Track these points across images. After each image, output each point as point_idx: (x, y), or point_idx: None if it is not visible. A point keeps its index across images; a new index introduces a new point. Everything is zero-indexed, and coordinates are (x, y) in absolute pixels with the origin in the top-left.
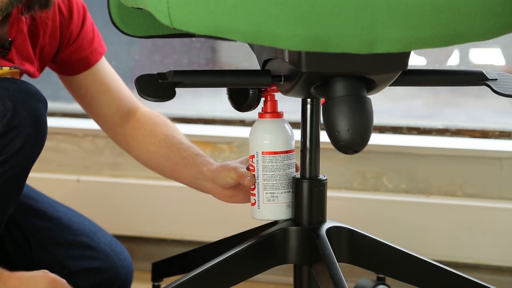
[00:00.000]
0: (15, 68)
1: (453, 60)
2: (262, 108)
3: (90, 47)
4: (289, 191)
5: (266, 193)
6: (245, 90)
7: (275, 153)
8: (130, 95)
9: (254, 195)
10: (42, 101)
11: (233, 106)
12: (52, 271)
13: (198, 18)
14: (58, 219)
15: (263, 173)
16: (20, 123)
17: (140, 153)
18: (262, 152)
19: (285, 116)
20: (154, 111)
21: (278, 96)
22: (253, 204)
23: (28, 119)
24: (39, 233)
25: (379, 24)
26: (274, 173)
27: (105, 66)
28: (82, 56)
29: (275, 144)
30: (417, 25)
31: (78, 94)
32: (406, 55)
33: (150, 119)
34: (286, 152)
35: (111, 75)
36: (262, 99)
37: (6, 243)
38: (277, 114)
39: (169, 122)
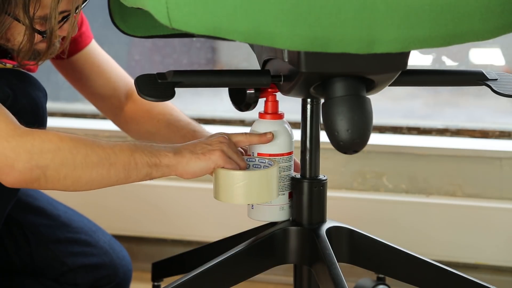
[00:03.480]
0: (17, 66)
1: (453, 60)
2: (264, 108)
3: (78, 31)
4: (283, 194)
5: None
6: (244, 89)
7: (270, 155)
8: (127, 77)
9: None
10: (41, 90)
11: (233, 106)
12: (51, 268)
13: (197, 18)
14: (57, 217)
15: None
16: (19, 110)
17: (141, 134)
18: (258, 154)
19: (285, 116)
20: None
21: (278, 96)
22: None
23: (27, 106)
24: (38, 230)
25: (378, 24)
26: None
27: (96, 49)
28: (71, 39)
29: (273, 147)
30: (416, 25)
31: (74, 78)
32: (406, 55)
33: None
34: (282, 154)
35: (104, 57)
36: (263, 98)
37: (5, 240)
38: (277, 116)
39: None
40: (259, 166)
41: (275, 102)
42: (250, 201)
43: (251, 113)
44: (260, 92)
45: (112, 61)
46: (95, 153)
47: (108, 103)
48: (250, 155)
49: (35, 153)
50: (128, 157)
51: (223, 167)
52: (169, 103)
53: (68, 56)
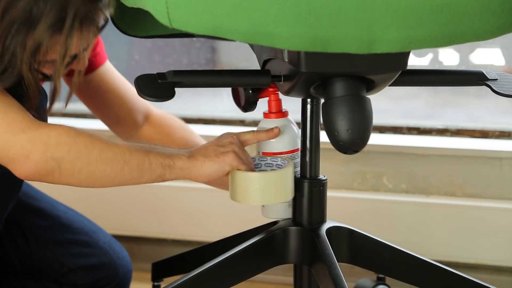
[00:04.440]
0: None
1: (453, 60)
2: (267, 107)
3: (93, 51)
4: None
5: None
6: (243, 89)
7: (275, 154)
8: (143, 100)
9: None
10: (41, 93)
11: (236, 105)
12: (51, 269)
13: (197, 18)
14: (57, 218)
15: None
16: None
17: None
18: (263, 153)
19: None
20: (166, 113)
21: (280, 94)
22: None
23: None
24: (38, 232)
25: (378, 24)
26: None
27: (111, 70)
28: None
29: (279, 145)
30: (416, 25)
31: (88, 98)
32: (406, 55)
33: (165, 123)
34: (287, 152)
35: (119, 78)
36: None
37: (5, 241)
38: (281, 114)
39: (183, 124)
40: (270, 165)
41: (278, 101)
42: (267, 202)
43: (252, 113)
44: (260, 91)
45: (127, 82)
46: (110, 150)
47: (123, 124)
48: (257, 154)
49: (51, 144)
50: (143, 156)
51: (238, 169)
52: (187, 128)
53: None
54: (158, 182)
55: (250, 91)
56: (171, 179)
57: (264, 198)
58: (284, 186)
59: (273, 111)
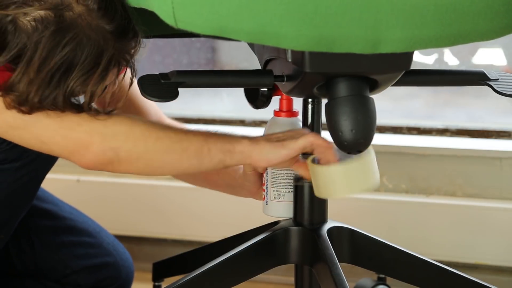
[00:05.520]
0: None
1: (453, 60)
2: (279, 106)
3: None
4: (293, 191)
5: (273, 190)
6: (257, 88)
7: None
8: (156, 107)
9: (264, 190)
10: None
11: (249, 103)
12: (53, 270)
13: (203, 18)
14: (62, 219)
15: (272, 170)
16: None
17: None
18: None
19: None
20: (177, 122)
21: None
22: (263, 199)
23: None
24: (44, 234)
25: (383, 24)
26: (282, 171)
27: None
28: None
29: None
30: (421, 25)
31: (106, 106)
32: (410, 55)
33: None
34: None
35: (136, 88)
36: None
37: (8, 242)
38: (292, 113)
39: None
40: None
41: (290, 100)
42: (354, 192)
43: (252, 113)
44: (274, 90)
45: None
46: (167, 137)
47: None
48: None
49: (108, 134)
50: (201, 142)
51: (318, 164)
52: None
53: None
54: (219, 168)
55: (266, 89)
56: (233, 165)
57: (350, 189)
58: (368, 173)
59: (284, 109)
